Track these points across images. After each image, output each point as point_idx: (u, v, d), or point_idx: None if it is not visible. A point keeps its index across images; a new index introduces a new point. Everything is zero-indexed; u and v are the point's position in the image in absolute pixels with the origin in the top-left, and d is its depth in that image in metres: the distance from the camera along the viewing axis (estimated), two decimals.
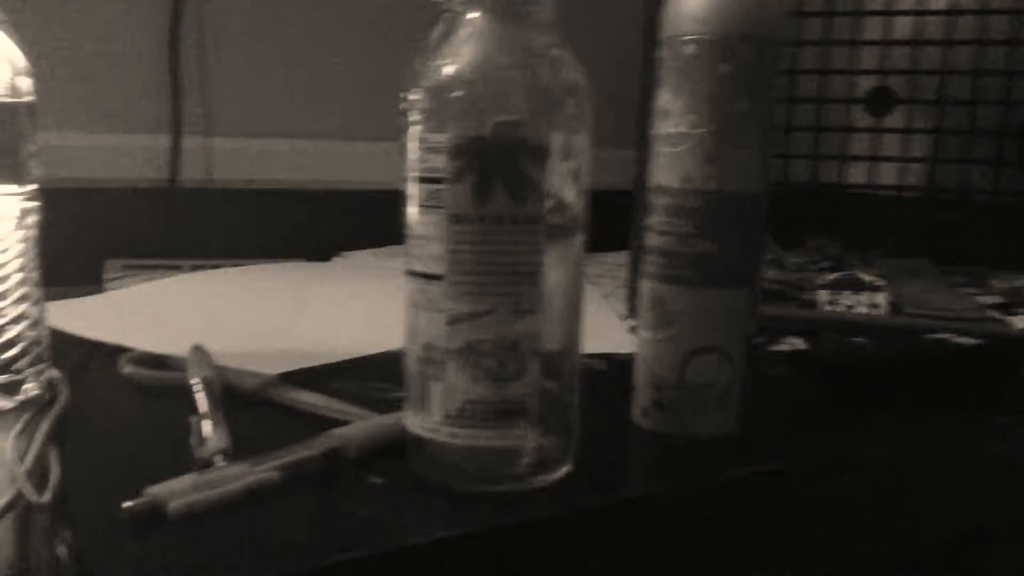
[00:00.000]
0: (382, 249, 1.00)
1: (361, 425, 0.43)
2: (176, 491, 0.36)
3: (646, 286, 0.46)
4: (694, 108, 0.43)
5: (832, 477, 0.45)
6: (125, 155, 0.93)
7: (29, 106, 0.49)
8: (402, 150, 0.54)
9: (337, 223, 1.02)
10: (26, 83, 0.49)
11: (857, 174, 1.00)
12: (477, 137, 0.36)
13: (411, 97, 0.38)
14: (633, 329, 0.69)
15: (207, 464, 0.40)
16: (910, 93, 0.96)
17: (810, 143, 0.99)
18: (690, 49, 0.43)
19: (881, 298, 0.75)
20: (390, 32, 1.03)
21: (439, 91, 0.37)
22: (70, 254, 0.91)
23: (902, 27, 0.96)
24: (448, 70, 0.37)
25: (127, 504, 0.35)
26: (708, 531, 0.42)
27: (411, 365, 0.39)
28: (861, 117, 0.98)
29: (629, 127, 0.68)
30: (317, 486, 0.39)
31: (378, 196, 1.00)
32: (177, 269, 0.87)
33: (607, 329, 0.69)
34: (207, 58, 0.95)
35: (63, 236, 0.89)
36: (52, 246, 0.73)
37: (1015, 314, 0.74)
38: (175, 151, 0.94)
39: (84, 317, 0.66)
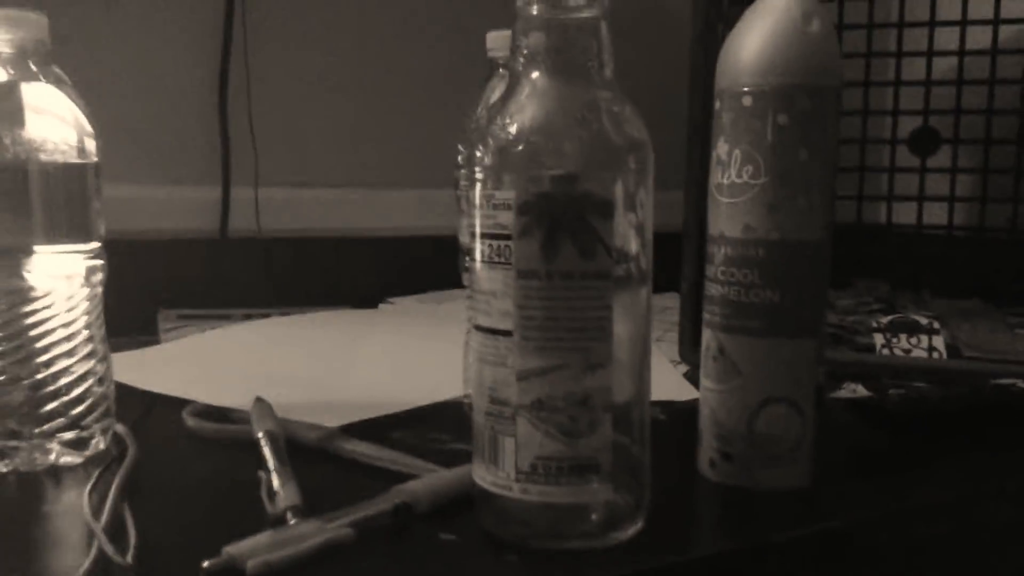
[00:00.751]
0: (427, 295, 1.01)
1: (429, 479, 0.43)
2: (253, 550, 0.36)
3: (709, 336, 0.46)
4: (752, 159, 0.43)
5: (903, 529, 0.44)
6: (176, 206, 0.95)
7: (95, 167, 0.50)
8: (459, 205, 0.55)
9: (383, 270, 1.03)
10: (92, 144, 0.50)
11: (903, 214, 0.99)
12: (543, 193, 0.36)
13: (476, 154, 0.38)
14: (687, 374, 0.69)
15: (279, 520, 0.40)
16: (955, 133, 0.95)
17: (855, 183, 0.99)
18: (747, 100, 0.43)
19: (939, 341, 0.74)
20: (438, 81, 1.04)
21: (504, 149, 0.37)
22: (124, 304, 0.92)
23: (943, 67, 0.96)
24: (512, 128, 0.37)
25: (206, 563, 0.35)
26: None
27: (479, 419, 0.39)
28: (906, 157, 0.98)
29: (675, 168, 0.68)
30: (389, 542, 0.39)
31: (423, 242, 1.02)
32: (228, 318, 0.89)
33: (662, 375, 0.69)
34: (254, 110, 0.97)
35: (117, 287, 0.91)
36: (107, 297, 0.74)
37: None
38: (225, 202, 0.96)
39: (142, 369, 0.67)
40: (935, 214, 0.97)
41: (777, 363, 0.44)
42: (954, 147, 0.95)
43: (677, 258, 0.70)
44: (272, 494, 0.43)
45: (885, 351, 0.75)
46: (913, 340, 0.75)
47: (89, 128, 0.50)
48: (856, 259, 1.01)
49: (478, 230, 0.38)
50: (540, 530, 0.38)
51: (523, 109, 0.38)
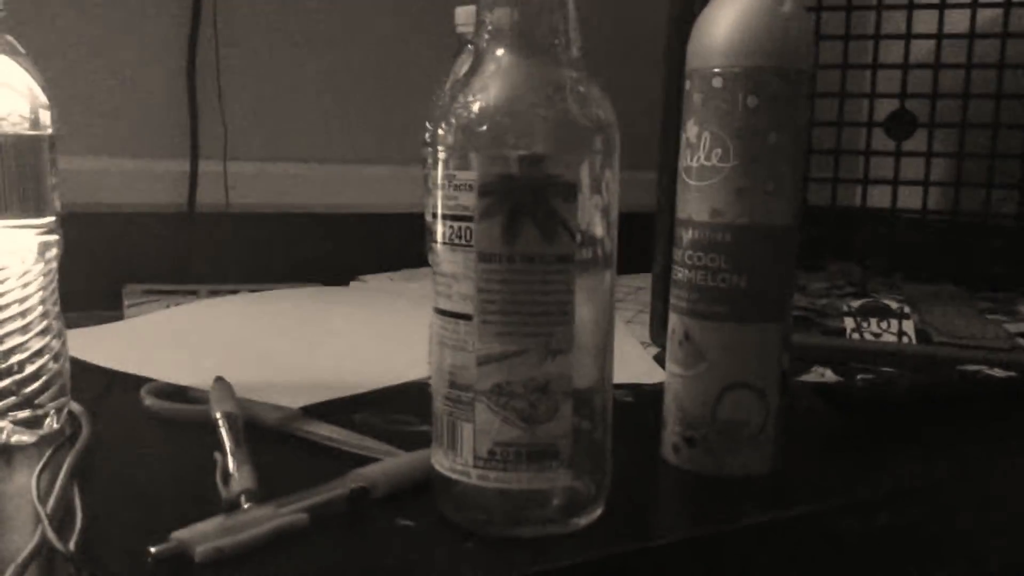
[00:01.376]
0: (399, 272, 1.00)
1: (388, 463, 0.43)
2: (203, 535, 0.35)
3: (675, 320, 0.46)
4: (722, 142, 0.42)
5: (869, 516, 0.44)
6: (142, 180, 0.93)
7: (50, 139, 0.49)
8: (426, 183, 0.54)
9: (354, 247, 1.02)
10: (46, 116, 0.48)
11: (878, 198, 0.99)
12: (506, 175, 0.35)
13: (438, 133, 0.37)
14: (657, 356, 0.68)
15: (233, 505, 0.39)
16: (931, 116, 0.95)
17: (830, 166, 0.98)
18: (717, 82, 0.42)
19: (909, 326, 0.74)
20: (408, 55, 1.03)
21: (466, 128, 0.36)
22: (88, 279, 0.90)
23: (921, 50, 0.95)
24: (475, 106, 0.36)
25: (154, 549, 0.34)
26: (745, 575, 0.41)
27: (438, 404, 0.39)
28: (881, 141, 0.97)
29: (648, 149, 0.67)
30: (344, 527, 0.39)
31: (395, 219, 1.00)
32: (195, 294, 0.87)
33: (631, 357, 0.68)
34: (224, 82, 0.95)
35: (81, 261, 0.89)
36: (70, 271, 0.73)
37: None
38: (193, 175, 0.94)
39: (103, 346, 0.66)
40: (910, 198, 0.97)
41: (742, 349, 0.44)
42: (930, 131, 0.95)
43: (651, 238, 0.69)
44: (227, 478, 0.42)
45: (855, 335, 0.75)
46: (883, 324, 0.75)
47: (44, 99, 0.48)
48: (829, 242, 1.01)
49: (439, 211, 0.37)
50: (499, 516, 0.38)
51: (487, 87, 0.37)
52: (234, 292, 0.88)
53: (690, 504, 0.44)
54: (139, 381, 0.58)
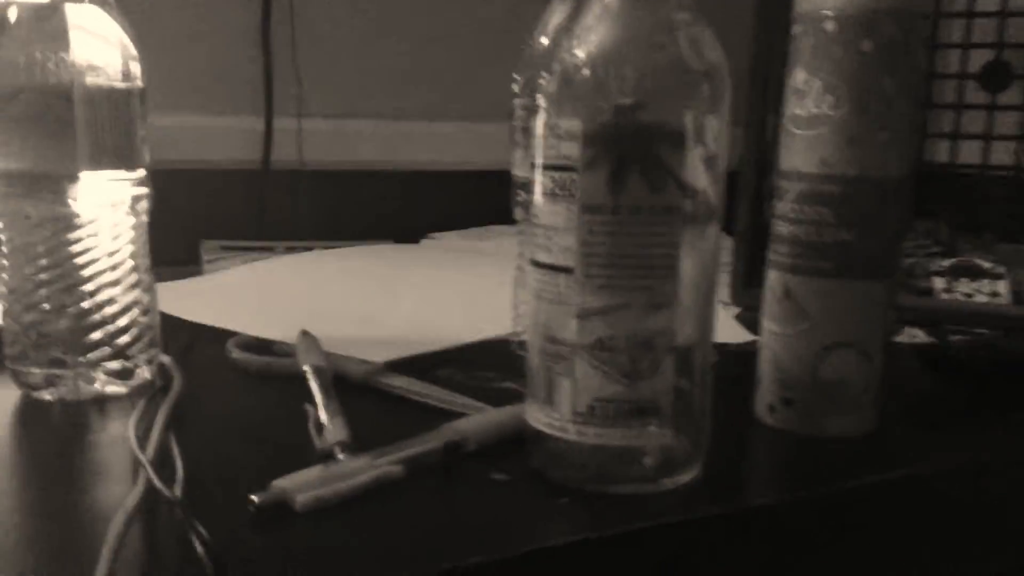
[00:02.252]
0: (470, 231, 0.99)
1: (480, 418, 0.42)
2: (302, 484, 0.35)
3: (774, 277, 0.44)
4: (833, 88, 0.40)
5: (973, 481, 0.42)
6: (217, 136, 0.94)
7: (140, 92, 0.49)
8: (519, 134, 0.52)
9: (427, 204, 1.01)
10: (136, 68, 0.48)
11: (970, 153, 0.95)
12: (612, 123, 0.34)
13: (540, 81, 0.36)
14: (739, 316, 0.67)
15: (328, 455, 0.39)
16: None
17: (920, 120, 0.94)
18: (829, 26, 0.40)
19: (1002, 286, 0.71)
20: (485, 10, 1.01)
21: (570, 75, 0.35)
22: (166, 235, 0.92)
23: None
24: (580, 52, 0.35)
25: (255, 497, 0.34)
26: (843, 539, 0.40)
27: (535, 358, 0.38)
28: (975, 93, 0.93)
29: (736, 101, 0.65)
30: (439, 480, 0.38)
31: (467, 177, 0.99)
32: (271, 250, 0.88)
33: (722, 317, 0.66)
34: (298, 40, 0.95)
35: (159, 216, 0.90)
36: (150, 227, 0.72)
37: None
38: (267, 132, 0.94)
39: (187, 300, 0.67)
40: (1003, 155, 0.93)
41: (847, 307, 0.42)
42: None
43: (733, 195, 0.67)
44: (320, 429, 0.42)
45: (946, 295, 0.72)
46: (975, 285, 0.72)
47: (134, 51, 0.48)
48: (919, 199, 0.97)
49: (539, 161, 0.36)
50: (595, 473, 0.37)
51: (591, 31, 0.35)
52: (308, 249, 0.88)
53: (786, 465, 0.42)
54: (225, 335, 0.58)
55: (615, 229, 0.35)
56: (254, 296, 0.70)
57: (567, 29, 0.36)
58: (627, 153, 0.34)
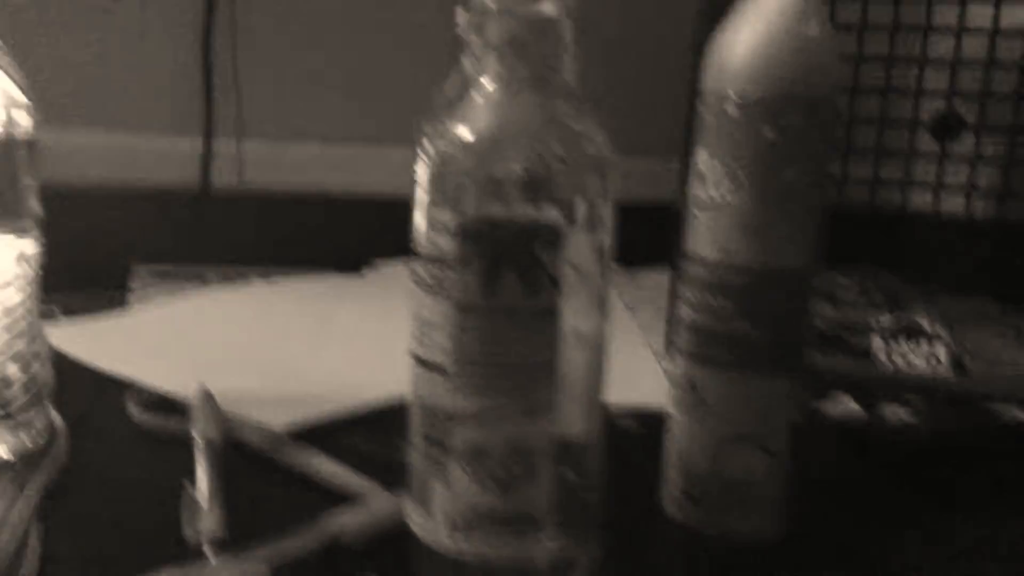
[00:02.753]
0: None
1: (364, 510, 0.40)
2: None
3: (678, 363, 0.42)
4: (733, 174, 0.38)
5: None
6: (155, 157, 0.91)
7: (28, 142, 0.47)
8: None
9: (371, 231, 0.99)
10: (24, 118, 0.46)
11: (920, 201, 0.94)
12: (487, 220, 0.32)
13: (418, 166, 0.34)
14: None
15: (195, 548, 0.37)
16: (980, 118, 0.89)
17: (869, 166, 0.93)
18: (731, 108, 0.38)
19: (941, 349, 0.70)
20: (428, 33, 0.98)
21: (446, 163, 0.33)
22: (97, 258, 0.89)
23: (973, 46, 0.89)
24: (456, 142, 0.33)
25: None
26: None
27: (415, 459, 0.36)
28: (926, 141, 0.92)
29: (671, 136, 0.63)
30: None
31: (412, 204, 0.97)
32: (204, 276, 0.85)
33: (641, 372, 0.65)
34: (240, 59, 0.92)
35: (90, 239, 0.88)
36: (79, 249, 0.70)
37: None
38: (206, 153, 0.92)
39: (98, 343, 0.64)
40: (954, 204, 0.92)
41: (748, 401, 0.40)
42: (978, 133, 0.90)
43: (674, 232, 0.65)
44: (195, 515, 0.39)
45: (883, 357, 0.71)
46: (914, 346, 0.71)
47: (21, 99, 0.46)
48: (868, 245, 0.96)
49: (418, 250, 0.34)
50: None
51: (470, 119, 0.33)
52: (245, 275, 0.86)
53: (687, 569, 0.41)
54: (129, 386, 0.56)
55: (489, 330, 0.33)
56: (169, 339, 0.67)
57: (447, 112, 0.34)
58: (502, 251, 0.32)
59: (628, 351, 0.68)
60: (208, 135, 0.92)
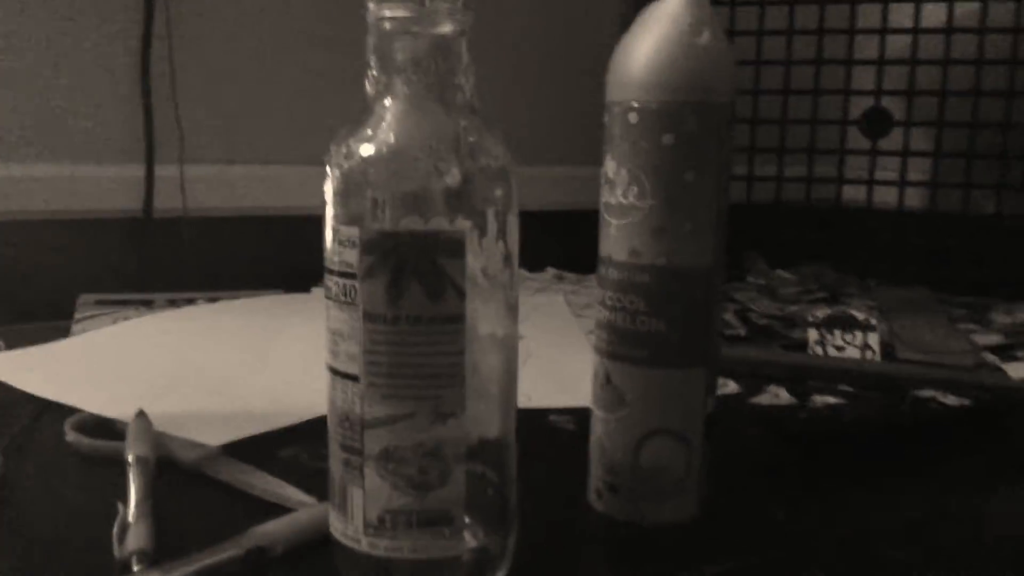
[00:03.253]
0: None
1: (289, 519, 0.41)
2: None
3: (597, 362, 0.44)
4: (638, 180, 0.40)
5: (798, 573, 0.42)
6: (96, 185, 0.91)
7: None
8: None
9: (317, 250, 1.00)
10: None
11: (854, 196, 0.96)
12: (389, 232, 0.33)
13: (325, 183, 0.35)
14: None
15: (125, 565, 0.38)
16: (907, 114, 0.92)
17: (804, 165, 0.96)
18: (632, 117, 0.40)
19: (874, 339, 0.72)
20: (364, 53, 1.00)
21: (348, 179, 0.34)
22: (42, 288, 0.89)
23: (898, 46, 0.92)
24: (358, 157, 0.34)
25: None
26: None
27: (332, 465, 0.37)
28: (857, 139, 0.94)
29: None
30: None
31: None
32: (150, 304, 0.86)
33: (584, 376, 0.66)
34: (179, 83, 0.93)
35: (35, 270, 0.88)
36: (24, 281, 0.70)
37: (1013, 358, 0.70)
38: (148, 180, 0.92)
39: (38, 371, 0.64)
40: (886, 198, 0.94)
41: (663, 395, 0.42)
42: (906, 129, 0.92)
43: None
44: (124, 533, 0.40)
45: (818, 347, 0.73)
46: (848, 337, 0.73)
47: None
48: (804, 241, 0.98)
49: (328, 265, 0.35)
50: None
51: (372, 136, 0.35)
52: (192, 300, 0.86)
53: (607, 558, 0.42)
54: (68, 412, 0.56)
55: (396, 339, 0.34)
56: (110, 364, 0.67)
57: (350, 129, 0.35)
58: (404, 262, 0.33)
59: (571, 355, 0.70)
60: (150, 162, 0.92)
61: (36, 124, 0.89)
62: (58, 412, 0.57)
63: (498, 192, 0.35)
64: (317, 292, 0.94)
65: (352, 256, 0.34)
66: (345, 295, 0.34)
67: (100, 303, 0.85)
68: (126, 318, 0.79)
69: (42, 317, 0.81)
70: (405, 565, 0.35)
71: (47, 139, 0.90)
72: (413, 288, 0.33)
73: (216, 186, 0.95)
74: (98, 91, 0.90)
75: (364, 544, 0.35)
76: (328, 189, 0.35)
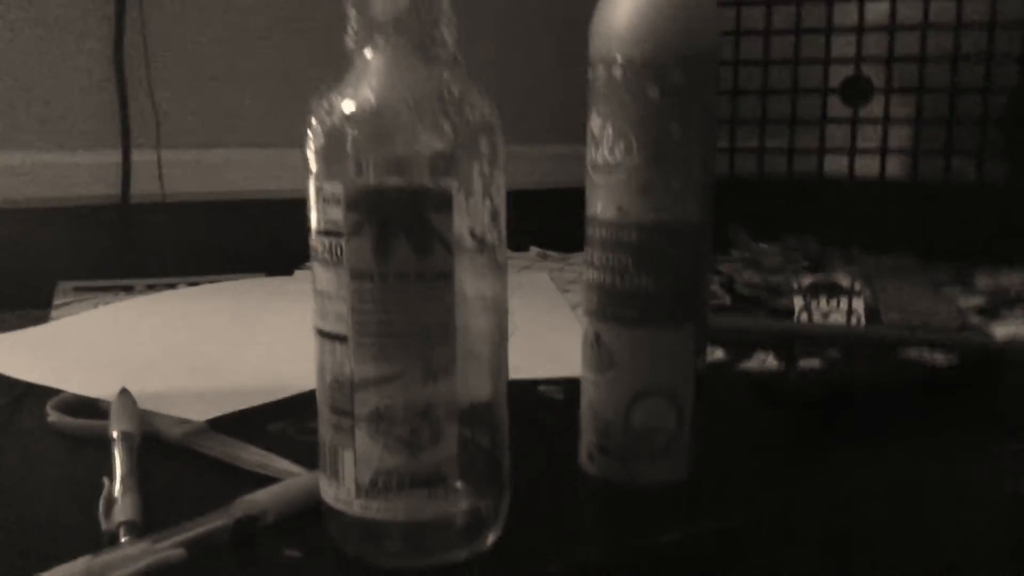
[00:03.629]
0: None
1: (278, 488, 0.40)
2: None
3: (587, 323, 0.43)
4: (624, 135, 0.39)
5: (781, 526, 0.42)
6: (73, 172, 0.90)
7: None
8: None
9: (297, 233, 0.99)
10: None
11: (836, 166, 0.96)
12: (375, 188, 0.33)
13: (306, 141, 0.34)
14: None
15: (112, 538, 0.37)
16: (887, 82, 0.92)
17: (785, 135, 0.96)
18: (617, 72, 0.39)
19: (859, 304, 0.72)
20: (341, 33, 0.99)
21: (331, 136, 0.34)
22: (20, 277, 0.88)
23: (876, 13, 0.92)
24: (340, 112, 0.34)
25: None
26: None
27: (322, 429, 0.36)
28: (837, 107, 0.94)
29: None
30: (227, 560, 0.37)
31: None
32: (130, 290, 0.85)
33: (572, 348, 0.66)
34: (153, 67, 0.91)
35: (13, 258, 0.86)
36: (1, 268, 0.69)
37: (997, 319, 0.71)
38: (125, 166, 0.91)
39: (19, 355, 0.63)
40: (868, 166, 0.95)
41: (652, 354, 0.41)
42: (887, 96, 0.92)
43: None
44: (111, 507, 0.39)
45: (804, 315, 0.73)
46: (833, 303, 0.73)
47: None
48: (787, 213, 0.98)
49: (312, 225, 0.35)
50: (389, 546, 0.36)
51: (355, 91, 0.34)
52: (172, 286, 0.85)
53: (599, 519, 0.42)
54: (50, 393, 0.55)
55: (383, 296, 0.33)
56: (91, 347, 0.66)
57: (332, 85, 0.35)
58: (390, 218, 0.33)
59: (558, 328, 0.69)
60: (126, 147, 0.91)
61: (9, 111, 0.87)
62: (39, 394, 0.56)
63: (484, 147, 0.35)
64: (300, 275, 0.93)
65: (337, 213, 0.33)
66: (331, 254, 0.34)
67: (79, 290, 0.84)
68: (105, 304, 0.78)
69: (20, 305, 0.80)
70: (397, 527, 0.35)
71: (20, 127, 0.88)
72: (400, 244, 0.33)
73: (193, 171, 0.94)
74: (72, 77, 0.89)
75: (356, 507, 0.35)
76: (310, 146, 0.34)
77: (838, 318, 0.72)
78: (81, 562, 0.34)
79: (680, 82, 0.39)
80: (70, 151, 0.89)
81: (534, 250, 1.05)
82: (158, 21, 0.91)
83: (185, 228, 0.93)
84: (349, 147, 0.33)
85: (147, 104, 0.91)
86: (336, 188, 0.33)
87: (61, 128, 0.89)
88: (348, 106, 0.34)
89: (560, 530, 0.41)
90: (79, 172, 0.90)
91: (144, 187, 0.91)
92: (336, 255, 0.34)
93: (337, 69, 0.35)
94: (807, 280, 0.76)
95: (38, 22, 0.87)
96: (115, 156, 0.90)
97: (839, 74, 0.94)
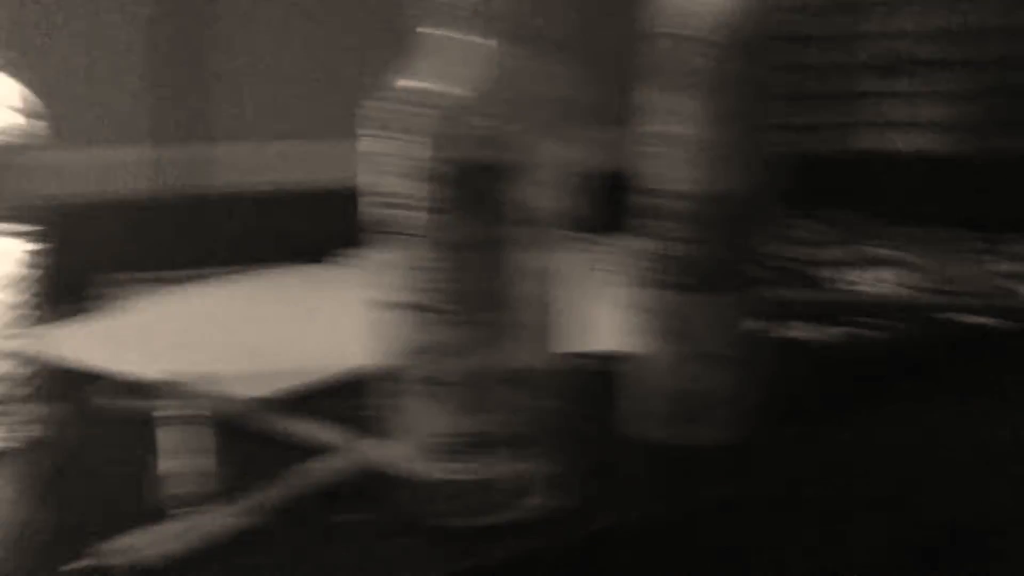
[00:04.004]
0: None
1: (337, 456, 0.41)
2: (125, 548, 0.34)
3: (635, 290, 0.44)
4: (679, 107, 0.40)
5: (836, 485, 0.42)
6: (106, 168, 0.91)
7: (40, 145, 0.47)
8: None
9: (330, 222, 0.99)
10: (28, 125, 0.47)
11: (868, 140, 0.96)
12: (446, 159, 0.33)
13: (381, 116, 0.35)
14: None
15: (173, 509, 0.38)
16: (921, 55, 0.91)
17: (817, 111, 0.95)
18: (673, 44, 0.40)
19: (890, 274, 0.72)
20: (373, 29, 0.99)
21: (407, 111, 0.34)
22: (57, 271, 0.89)
23: None
24: (418, 89, 0.34)
25: (66, 568, 0.32)
26: (708, 550, 0.39)
27: (381, 395, 0.37)
28: (871, 82, 0.94)
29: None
30: (286, 527, 0.37)
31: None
32: (169, 281, 0.86)
33: (606, 325, 0.66)
34: (189, 63, 0.92)
35: (68, 252, 0.87)
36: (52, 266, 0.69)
37: None
38: (158, 160, 0.92)
39: (83, 342, 0.64)
40: (903, 140, 0.94)
41: (703, 319, 0.42)
42: (924, 70, 0.92)
43: None
44: (164, 482, 0.40)
45: (839, 286, 0.73)
46: (865, 274, 0.73)
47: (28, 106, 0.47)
48: (821, 187, 0.97)
49: (383, 199, 0.35)
50: (450, 507, 0.36)
51: (435, 67, 0.34)
52: (207, 277, 0.86)
53: (654, 480, 0.42)
54: (102, 378, 0.56)
55: (448, 264, 0.34)
56: (149, 332, 0.67)
57: (407, 64, 0.35)
58: (458, 189, 0.33)
59: (590, 304, 0.70)
60: (161, 142, 0.92)
61: (65, 105, 0.88)
62: (94, 378, 0.57)
63: (547, 120, 0.35)
64: (334, 263, 0.93)
65: (404, 185, 0.34)
66: (394, 224, 0.34)
67: (114, 283, 0.85)
68: (150, 294, 0.80)
69: (59, 300, 0.81)
70: (459, 487, 0.36)
71: (76, 120, 0.89)
72: (464, 214, 0.33)
73: (224, 163, 0.95)
74: (102, 74, 0.90)
75: (419, 468, 0.36)
76: (386, 122, 0.35)
77: (873, 288, 0.71)
78: (142, 533, 0.35)
79: (740, 57, 0.39)
80: (103, 147, 0.90)
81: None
82: (192, 11, 0.92)
83: (216, 220, 0.94)
84: (429, 122, 0.34)
85: (184, 98, 0.92)
86: (412, 163, 0.34)
87: (93, 124, 0.90)
88: (424, 84, 0.34)
89: (612, 491, 0.41)
90: (111, 167, 0.91)
91: (176, 181, 0.92)
92: (399, 225, 0.34)
93: (397, 54, 0.35)
94: (842, 251, 0.76)
95: (71, 23, 0.88)
96: (148, 151, 0.91)
97: (872, 49, 0.93)
